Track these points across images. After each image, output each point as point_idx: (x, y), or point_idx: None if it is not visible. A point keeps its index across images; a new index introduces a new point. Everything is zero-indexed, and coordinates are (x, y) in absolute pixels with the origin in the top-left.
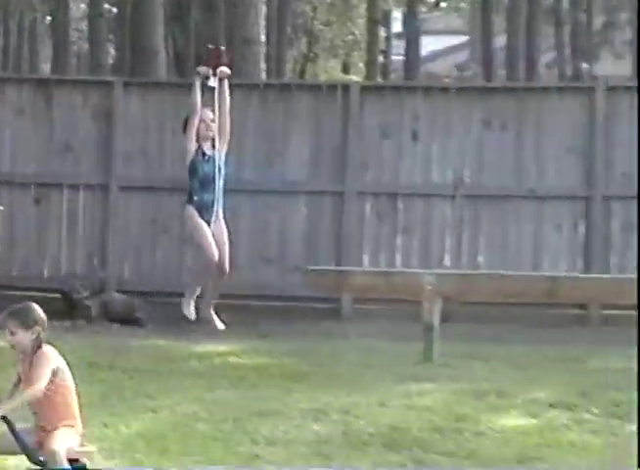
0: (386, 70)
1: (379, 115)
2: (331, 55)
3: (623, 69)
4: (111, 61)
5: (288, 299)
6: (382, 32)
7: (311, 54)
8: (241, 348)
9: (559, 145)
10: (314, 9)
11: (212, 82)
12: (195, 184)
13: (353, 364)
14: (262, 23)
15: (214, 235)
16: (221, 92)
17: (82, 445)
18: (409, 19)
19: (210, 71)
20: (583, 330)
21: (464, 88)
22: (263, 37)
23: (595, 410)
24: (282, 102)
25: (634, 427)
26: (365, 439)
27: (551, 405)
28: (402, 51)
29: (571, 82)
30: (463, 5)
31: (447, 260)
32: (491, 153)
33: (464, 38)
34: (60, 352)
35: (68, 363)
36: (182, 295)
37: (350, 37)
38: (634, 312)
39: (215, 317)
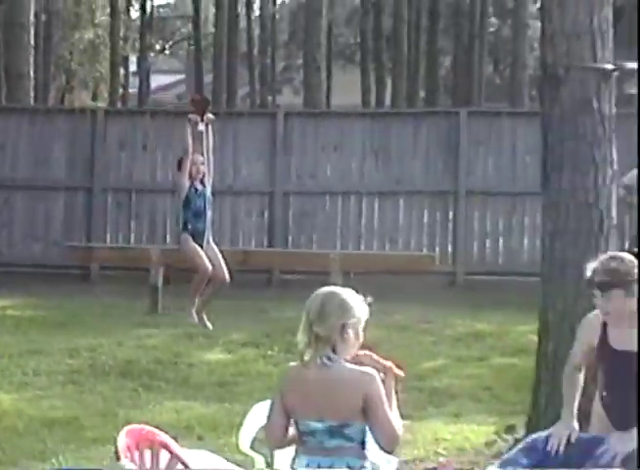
0: (124, 99)
1: (118, 131)
2: (83, 87)
3: (299, 100)
4: None
5: (51, 267)
6: (121, 71)
7: (69, 86)
8: (17, 303)
9: (250, 154)
10: (71, 53)
11: (201, 127)
12: (189, 215)
13: (99, 315)
14: (32, 61)
15: (209, 256)
16: (208, 135)
17: None
18: (142, 61)
19: (199, 118)
20: (268, 289)
21: (181, 112)
22: (32, 73)
23: (276, 348)
24: (47, 122)
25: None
26: (107, 370)
27: (243, 344)
28: (137, 85)
29: (259, 109)
30: (181, 52)
31: (169, 238)
32: None
33: (182, 76)
34: None
35: None
36: None
37: (98, 74)
38: (305, 277)
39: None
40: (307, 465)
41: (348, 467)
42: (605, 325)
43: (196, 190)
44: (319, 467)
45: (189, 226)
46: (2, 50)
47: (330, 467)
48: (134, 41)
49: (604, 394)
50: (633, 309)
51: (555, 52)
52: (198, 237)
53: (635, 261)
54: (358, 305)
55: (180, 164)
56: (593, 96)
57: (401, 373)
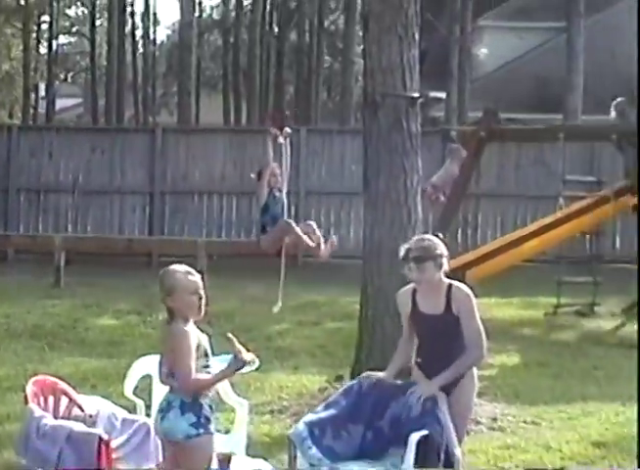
0: (35, 117)
1: (30, 142)
2: (1, 108)
3: (174, 119)
4: None
5: None
6: (32, 95)
7: None
8: None
9: (135, 161)
10: None
11: (281, 139)
12: (267, 220)
13: (11, 289)
14: None
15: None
16: (286, 146)
17: None
18: (49, 87)
19: (278, 132)
20: (149, 269)
21: (80, 128)
22: None
23: (154, 315)
24: None
25: None
26: (19, 332)
27: (128, 312)
28: (45, 106)
29: (142, 126)
30: (80, 80)
31: (70, 228)
32: (96, 165)
33: (80, 99)
34: None
35: None
36: None
37: (13, 98)
38: (178, 259)
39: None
40: (162, 400)
41: (182, 403)
42: (414, 296)
43: (274, 197)
44: (168, 402)
45: (267, 230)
46: None
47: (173, 401)
48: (42, 72)
49: (419, 360)
50: (439, 280)
51: (374, 83)
52: None
53: (439, 241)
54: (187, 277)
55: (260, 175)
56: (403, 118)
57: (249, 358)
